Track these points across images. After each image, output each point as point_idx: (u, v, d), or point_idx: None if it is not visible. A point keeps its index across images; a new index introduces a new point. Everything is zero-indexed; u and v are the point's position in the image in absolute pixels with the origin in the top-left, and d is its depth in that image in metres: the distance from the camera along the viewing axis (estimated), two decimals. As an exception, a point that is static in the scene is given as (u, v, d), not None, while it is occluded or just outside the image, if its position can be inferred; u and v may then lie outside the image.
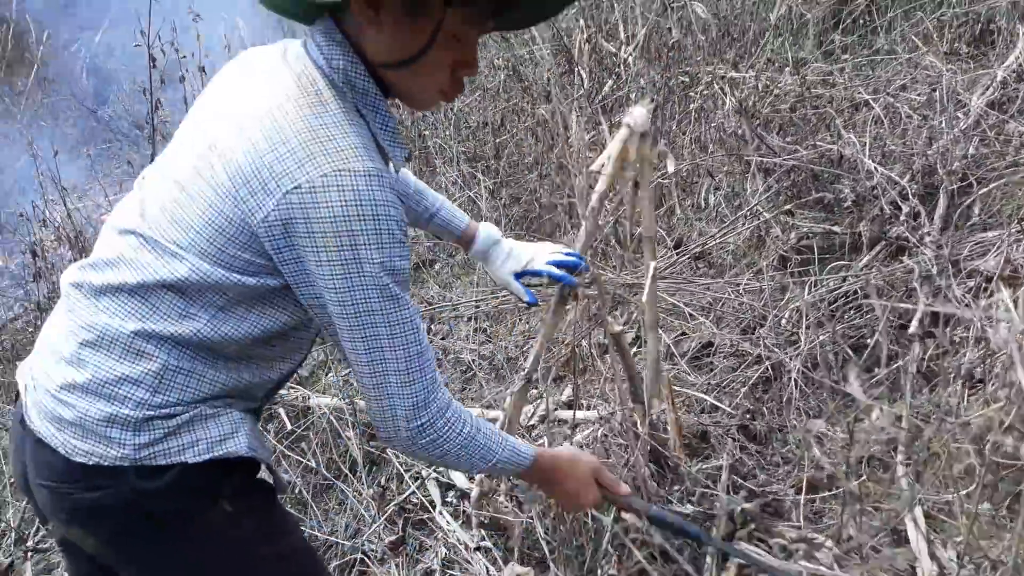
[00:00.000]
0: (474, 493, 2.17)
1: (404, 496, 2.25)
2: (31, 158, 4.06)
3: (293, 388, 2.80)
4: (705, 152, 3.00)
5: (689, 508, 1.79)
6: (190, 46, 4.19)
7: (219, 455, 1.20)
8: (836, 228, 2.56)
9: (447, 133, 4.03)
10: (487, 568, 2.01)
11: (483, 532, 2.12)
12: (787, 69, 2.95)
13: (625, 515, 1.54)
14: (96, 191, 5.29)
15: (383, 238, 1.08)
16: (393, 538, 2.21)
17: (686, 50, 3.51)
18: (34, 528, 2.71)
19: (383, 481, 2.45)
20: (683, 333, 2.37)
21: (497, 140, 3.85)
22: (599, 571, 1.82)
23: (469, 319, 3.11)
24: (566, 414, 2.43)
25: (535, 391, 2.67)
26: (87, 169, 5.46)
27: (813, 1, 3.78)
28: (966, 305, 2.11)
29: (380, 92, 1.17)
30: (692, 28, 3.57)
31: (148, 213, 1.18)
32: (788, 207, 2.64)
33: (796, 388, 2.10)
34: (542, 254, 1.72)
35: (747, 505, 1.75)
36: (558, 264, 1.70)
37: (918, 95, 2.88)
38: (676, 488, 1.87)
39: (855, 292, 2.31)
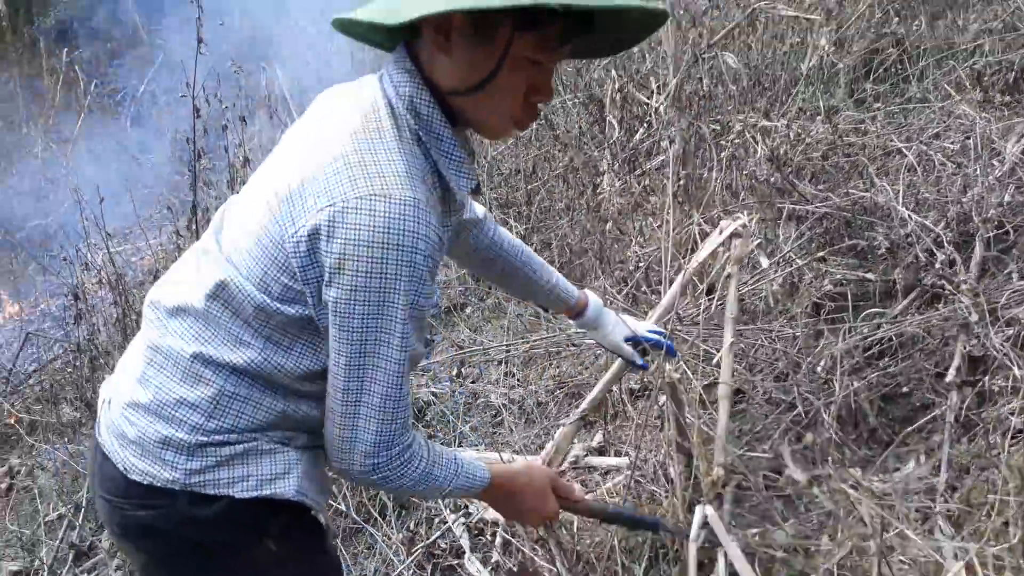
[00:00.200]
0: (498, 540, 2.16)
1: (432, 540, 2.24)
2: (75, 203, 4.18)
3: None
4: (737, 199, 3.01)
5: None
6: (231, 96, 4.32)
7: (266, 495, 1.21)
8: (870, 275, 2.54)
9: (480, 180, 4.08)
10: (516, 615, 1.98)
11: (512, 579, 2.10)
12: (819, 118, 2.96)
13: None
14: (137, 235, 5.41)
15: (404, 270, 1.07)
16: (422, 583, 2.20)
17: (717, 99, 3.54)
18: (65, 568, 2.73)
19: (412, 525, 2.44)
20: (715, 379, 2.35)
21: (529, 187, 3.89)
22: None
23: (500, 363, 3.12)
24: (597, 460, 2.41)
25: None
26: (129, 214, 5.60)
27: (844, 50, 3.80)
28: (1005, 354, 2.08)
29: (446, 119, 1.16)
30: (723, 78, 3.60)
31: (223, 237, 1.22)
32: (821, 254, 2.63)
33: (830, 437, 2.07)
34: (640, 324, 1.84)
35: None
36: (655, 331, 1.84)
37: (952, 143, 2.87)
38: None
39: (890, 339, 2.28)
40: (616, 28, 1.18)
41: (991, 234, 2.45)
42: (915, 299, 2.41)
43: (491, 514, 2.31)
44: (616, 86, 3.70)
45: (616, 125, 3.69)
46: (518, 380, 3.03)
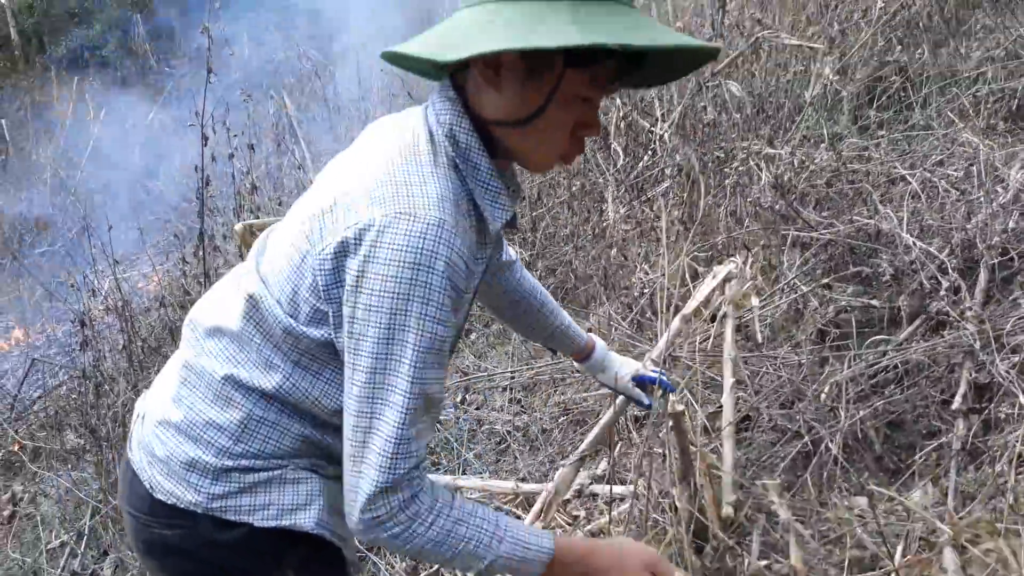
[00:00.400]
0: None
1: (435, 569, 2.22)
2: (83, 230, 4.21)
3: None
4: (741, 226, 3.01)
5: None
6: (239, 124, 4.37)
7: (285, 525, 1.20)
8: (875, 302, 2.54)
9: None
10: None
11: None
12: (823, 145, 2.97)
13: None
14: (144, 261, 5.44)
15: (418, 290, 1.03)
16: (425, 613, 2.18)
17: (721, 127, 3.56)
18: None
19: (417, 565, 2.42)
20: (720, 406, 2.34)
21: (534, 213, 3.90)
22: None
23: (504, 390, 3.11)
24: (600, 488, 2.40)
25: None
26: (136, 240, 5.63)
27: (848, 78, 3.82)
28: (1011, 382, 2.07)
29: (484, 149, 1.14)
30: (727, 106, 3.62)
31: (263, 259, 1.22)
32: (826, 281, 2.63)
33: (836, 464, 2.05)
34: (634, 363, 1.82)
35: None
36: (657, 372, 1.83)
37: (955, 170, 2.87)
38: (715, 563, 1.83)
39: (895, 366, 2.27)
40: (667, 64, 1.16)
41: (995, 261, 2.44)
42: (920, 326, 2.41)
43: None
44: (620, 114, 3.72)
45: (621, 152, 3.71)
46: (523, 407, 3.02)
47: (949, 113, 3.36)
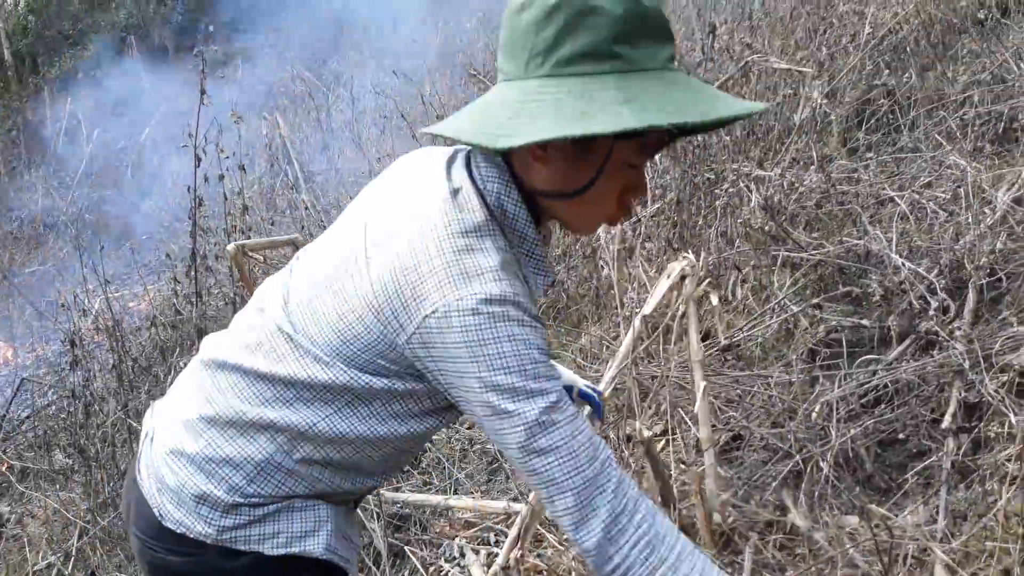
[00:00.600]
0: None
1: (427, 589, 2.21)
2: (74, 249, 4.21)
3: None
4: (731, 246, 3.03)
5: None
6: (232, 144, 4.38)
7: (295, 552, 1.21)
8: (865, 322, 2.55)
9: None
10: (511, 667, 1.95)
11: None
12: (812, 167, 3.00)
13: None
14: (135, 280, 5.43)
15: (521, 361, 1.04)
16: (416, 633, 2.17)
17: (711, 148, 3.59)
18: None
19: (407, 574, 2.41)
20: (712, 426, 2.35)
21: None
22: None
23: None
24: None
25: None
26: (127, 260, 5.63)
27: (837, 101, 3.86)
28: (1000, 400, 2.08)
29: (531, 219, 1.13)
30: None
31: (292, 301, 1.19)
32: (815, 301, 2.64)
33: (828, 483, 2.06)
34: (579, 377, 1.71)
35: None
36: (590, 394, 1.67)
37: (943, 192, 2.90)
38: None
39: (885, 386, 2.29)
40: (713, 124, 1.14)
41: (984, 281, 2.46)
42: (910, 346, 2.42)
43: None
44: (612, 135, 3.74)
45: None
46: (514, 427, 3.01)
47: (936, 136, 3.40)
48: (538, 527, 2.30)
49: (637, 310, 2.95)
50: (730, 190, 2.98)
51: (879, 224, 2.86)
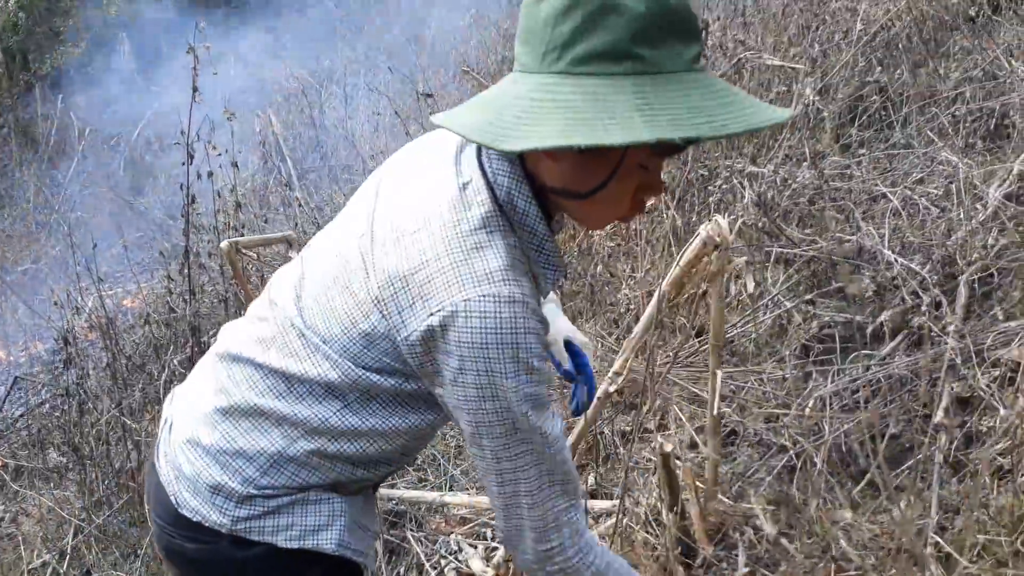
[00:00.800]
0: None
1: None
2: (67, 247, 4.20)
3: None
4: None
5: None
6: (225, 141, 4.37)
7: (308, 546, 1.22)
8: (858, 317, 2.56)
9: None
10: (507, 662, 1.96)
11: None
12: (805, 163, 3.01)
13: None
14: (128, 278, 5.42)
15: (519, 366, 1.04)
16: (412, 629, 2.18)
17: (705, 144, 3.60)
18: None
19: (403, 571, 2.42)
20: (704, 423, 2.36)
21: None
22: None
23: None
24: (589, 503, 2.40)
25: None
26: (121, 257, 5.61)
27: (829, 97, 3.88)
28: (992, 395, 2.10)
29: (542, 215, 1.12)
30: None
31: (304, 296, 1.20)
32: (809, 296, 2.66)
33: (821, 478, 2.07)
34: (579, 336, 1.61)
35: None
36: (576, 352, 1.56)
37: (935, 188, 2.92)
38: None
39: (878, 380, 2.30)
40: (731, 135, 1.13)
41: (976, 276, 2.48)
42: (902, 341, 2.43)
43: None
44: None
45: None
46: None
47: (929, 132, 3.41)
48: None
49: (632, 307, 2.96)
50: (723, 187, 2.99)
51: (872, 220, 2.87)
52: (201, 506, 1.22)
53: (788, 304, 2.62)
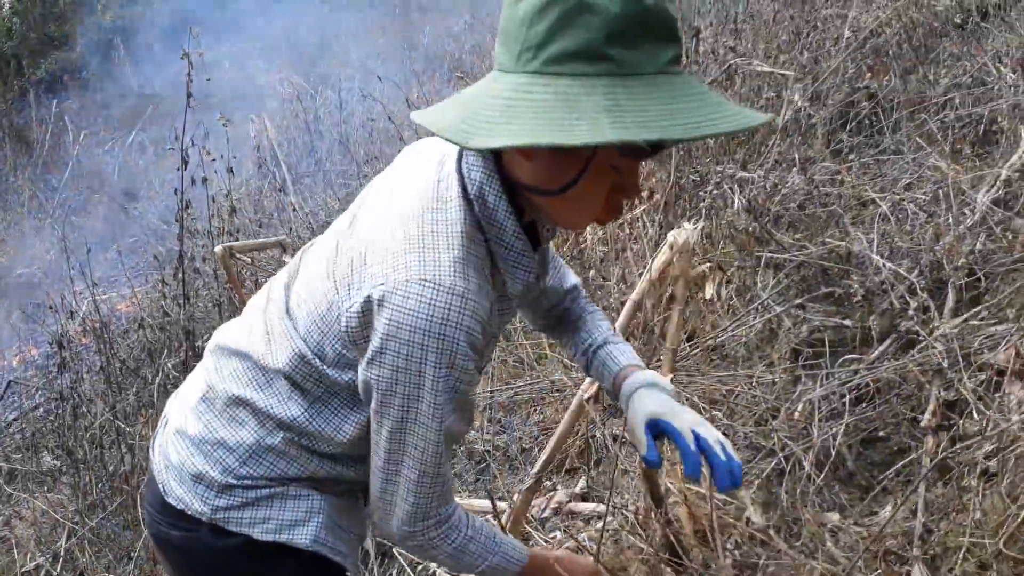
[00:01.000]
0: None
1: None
2: (61, 251, 4.21)
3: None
4: (715, 247, 3.07)
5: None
6: (220, 147, 4.39)
7: (282, 540, 1.25)
8: (847, 322, 2.59)
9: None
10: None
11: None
12: (795, 169, 3.04)
13: None
14: (122, 283, 5.42)
15: (444, 358, 1.06)
16: (404, 632, 2.19)
17: (696, 150, 3.63)
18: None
19: (395, 574, 2.43)
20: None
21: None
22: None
23: (484, 409, 3.13)
24: (580, 506, 2.42)
25: (548, 483, 2.66)
26: (115, 261, 5.61)
27: (821, 103, 3.91)
28: (979, 398, 2.12)
29: (511, 210, 1.12)
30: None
31: (293, 288, 1.24)
32: (798, 301, 2.68)
33: (810, 481, 2.09)
34: (691, 417, 1.30)
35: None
36: (700, 440, 1.26)
37: (923, 193, 2.95)
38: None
39: (867, 384, 2.32)
40: (702, 137, 1.10)
41: (963, 281, 2.50)
42: (891, 345, 2.46)
43: None
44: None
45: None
46: (502, 426, 3.04)
47: (918, 139, 3.44)
48: (525, 526, 2.32)
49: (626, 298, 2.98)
50: (714, 192, 3.02)
51: (861, 225, 2.90)
52: (185, 494, 1.26)
53: (778, 308, 2.64)
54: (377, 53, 8.39)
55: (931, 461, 2.07)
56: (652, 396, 1.32)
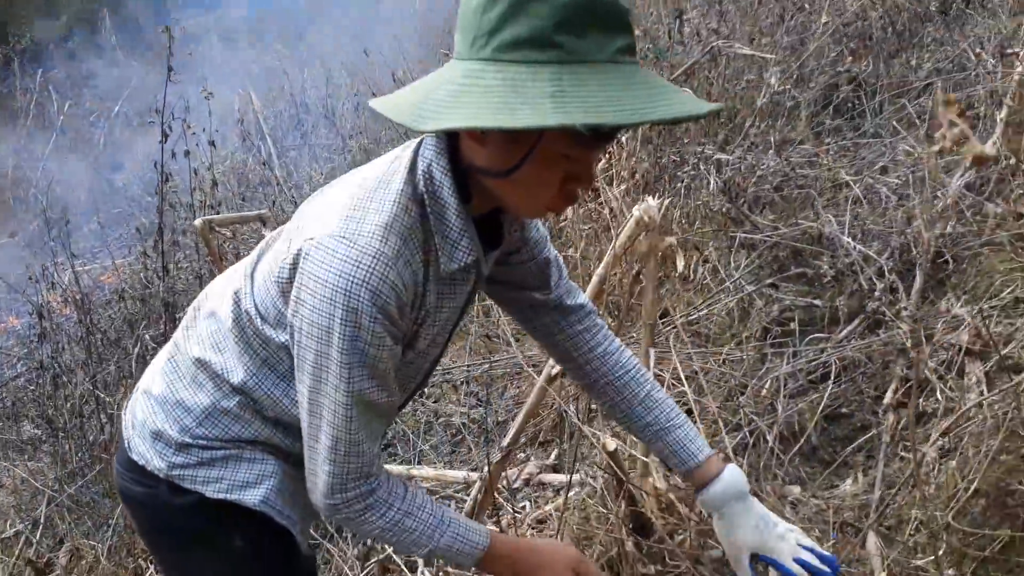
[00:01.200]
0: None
1: (387, 554, 2.27)
2: (43, 222, 4.21)
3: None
4: (692, 227, 3.10)
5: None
6: (204, 120, 4.38)
7: (232, 499, 1.28)
8: (817, 302, 2.63)
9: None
10: (466, 628, 2.02)
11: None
12: (770, 151, 3.07)
13: None
14: (105, 254, 5.42)
15: (349, 316, 1.07)
16: (375, 598, 2.24)
17: (676, 131, 3.65)
18: None
19: (369, 541, 2.47)
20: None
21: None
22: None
23: (461, 383, 3.17)
24: (549, 477, 2.47)
25: (522, 455, 2.71)
26: (99, 233, 5.61)
27: (805, 86, 3.93)
28: (939, 377, 2.17)
29: (455, 188, 1.14)
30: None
31: (266, 255, 1.27)
32: (771, 280, 2.72)
33: (773, 455, 2.14)
34: (790, 538, 1.35)
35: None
36: (805, 565, 1.32)
37: (897, 177, 2.99)
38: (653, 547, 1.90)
39: (833, 363, 2.37)
40: (641, 123, 1.15)
41: (931, 263, 2.55)
42: (859, 325, 2.51)
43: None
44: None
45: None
46: (479, 400, 3.08)
47: (895, 123, 3.47)
48: (496, 497, 2.37)
49: (605, 287, 3.01)
50: (691, 172, 3.05)
51: (836, 207, 2.94)
52: (146, 451, 1.30)
53: (750, 288, 2.68)
54: (365, 24, 8.35)
55: (891, 438, 2.12)
56: (747, 520, 1.36)
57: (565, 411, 2.63)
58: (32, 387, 3.75)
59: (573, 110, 0.93)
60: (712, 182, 2.89)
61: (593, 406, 2.74)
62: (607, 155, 3.80)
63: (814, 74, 3.95)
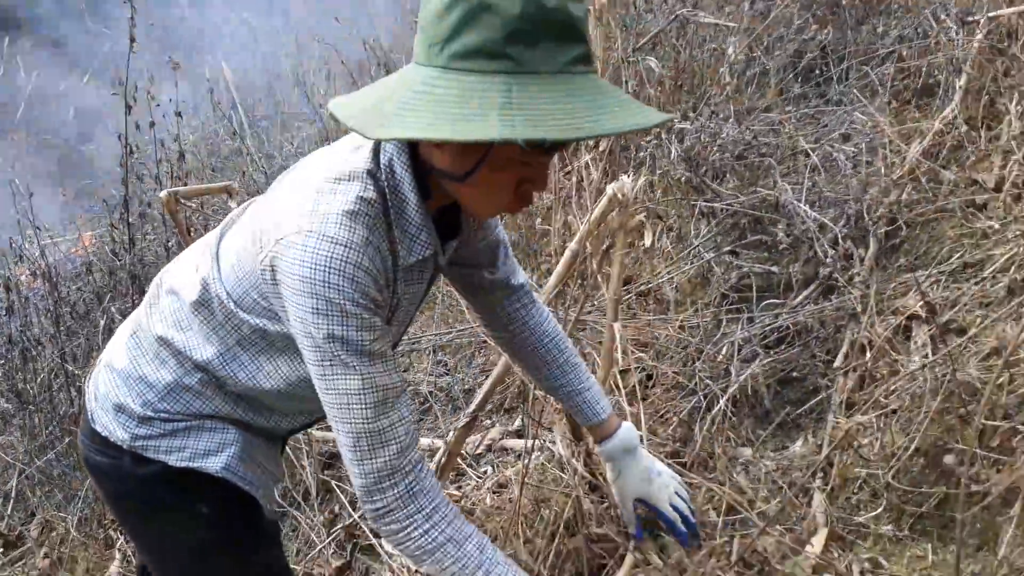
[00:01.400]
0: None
1: (352, 520, 2.32)
2: (10, 194, 4.17)
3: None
4: (654, 196, 3.14)
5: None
6: (171, 91, 4.33)
7: (194, 467, 1.33)
8: (775, 268, 2.68)
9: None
10: (427, 589, 2.08)
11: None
12: (730, 120, 3.10)
13: None
14: (76, 227, 5.39)
15: (330, 306, 1.11)
16: (339, 563, 2.29)
17: (643, 100, 3.66)
18: None
19: (337, 508, 2.52)
20: (624, 369, 2.47)
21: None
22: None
23: (430, 352, 3.21)
24: (511, 443, 2.52)
25: (488, 422, 2.76)
26: (65, 205, 5.57)
27: (770, 54, 3.94)
28: (887, 340, 2.23)
29: (415, 184, 1.17)
30: (646, 81, 3.72)
31: (228, 234, 1.31)
32: (730, 248, 2.76)
33: (725, 418, 2.20)
34: (670, 486, 1.67)
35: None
36: (677, 509, 1.66)
37: (855, 145, 3.03)
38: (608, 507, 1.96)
39: (787, 328, 2.42)
40: (592, 136, 1.13)
41: (884, 230, 2.60)
42: (813, 291, 2.56)
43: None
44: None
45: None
46: (446, 368, 3.12)
47: (856, 92, 3.50)
48: (459, 463, 2.42)
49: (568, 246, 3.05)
50: (655, 142, 3.08)
51: (796, 175, 2.97)
52: (109, 423, 1.35)
53: (708, 255, 2.72)
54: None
55: (841, 400, 2.18)
56: (635, 470, 1.64)
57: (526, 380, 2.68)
58: (1, 361, 3.75)
59: (519, 124, 0.95)
60: (673, 151, 2.91)
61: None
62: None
63: (782, 42, 3.96)
